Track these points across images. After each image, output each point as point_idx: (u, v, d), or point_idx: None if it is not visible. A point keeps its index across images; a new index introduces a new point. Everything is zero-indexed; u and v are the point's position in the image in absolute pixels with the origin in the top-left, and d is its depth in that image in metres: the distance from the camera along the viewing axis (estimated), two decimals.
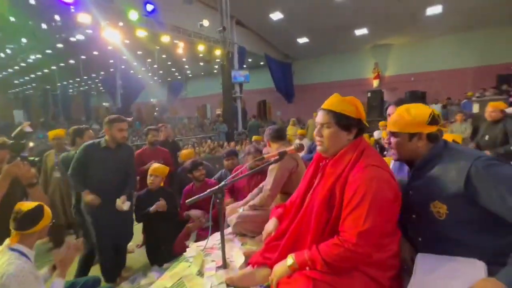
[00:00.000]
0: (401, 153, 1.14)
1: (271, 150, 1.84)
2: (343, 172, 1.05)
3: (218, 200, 1.28)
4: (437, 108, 7.03)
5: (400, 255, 1.11)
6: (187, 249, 1.66)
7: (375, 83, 13.80)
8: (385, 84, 13.85)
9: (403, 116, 1.11)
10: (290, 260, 1.07)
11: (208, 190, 1.28)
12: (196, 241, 2.30)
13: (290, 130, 6.92)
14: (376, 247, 0.99)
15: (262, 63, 15.27)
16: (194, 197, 1.26)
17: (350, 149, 1.09)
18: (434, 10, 10.04)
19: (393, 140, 1.15)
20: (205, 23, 8.40)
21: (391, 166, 1.78)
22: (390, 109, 2.01)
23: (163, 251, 2.59)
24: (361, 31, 12.28)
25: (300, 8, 10.54)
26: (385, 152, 3.58)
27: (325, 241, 1.04)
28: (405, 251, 1.16)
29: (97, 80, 20.73)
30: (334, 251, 0.98)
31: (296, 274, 1.04)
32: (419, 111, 1.09)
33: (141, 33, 6.91)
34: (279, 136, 1.91)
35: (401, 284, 1.07)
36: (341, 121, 1.10)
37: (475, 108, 6.03)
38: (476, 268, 0.90)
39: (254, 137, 4.87)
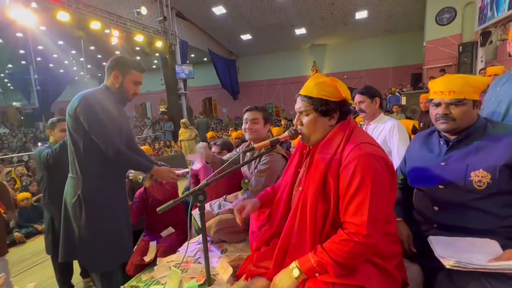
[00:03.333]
0: (464, 123, 1.03)
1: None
2: (335, 155, 0.94)
3: (199, 204, 1.05)
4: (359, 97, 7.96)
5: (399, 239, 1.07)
6: (155, 268, 1.36)
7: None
8: None
9: (468, 82, 1.01)
10: (295, 270, 0.92)
11: (187, 192, 1.04)
12: (157, 255, 1.96)
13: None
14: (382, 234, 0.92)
15: (205, 59, 14.76)
16: (169, 202, 1.00)
17: (339, 131, 0.99)
18: (362, 14, 11.17)
19: (457, 109, 1.02)
20: (143, 10, 7.56)
21: (401, 135, 1.81)
22: (356, 97, 2.05)
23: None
24: (300, 31, 12.90)
25: (242, 4, 10.47)
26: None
27: (330, 238, 0.92)
28: (402, 232, 1.14)
29: (2, 75, 17.05)
30: (344, 248, 0.86)
31: (309, 282, 0.89)
32: (479, 78, 1.04)
33: (63, 16, 5.77)
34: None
35: (405, 272, 1.03)
36: (320, 106, 0.99)
37: (403, 101, 6.89)
38: (491, 244, 0.91)
39: (209, 134, 4.59)
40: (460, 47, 8.16)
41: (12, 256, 3.24)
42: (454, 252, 0.89)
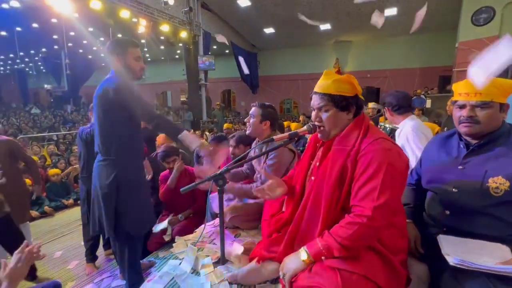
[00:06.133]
0: (488, 127, 1.01)
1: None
2: (353, 147, 1.00)
3: (219, 188, 1.12)
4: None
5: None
6: (174, 245, 1.47)
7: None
8: None
9: (495, 84, 0.98)
10: (303, 254, 0.98)
11: (208, 176, 1.11)
12: (174, 236, 2.08)
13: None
14: (388, 224, 0.97)
15: (227, 51, 14.82)
16: (191, 185, 1.08)
17: (356, 126, 1.06)
18: (391, 11, 10.74)
19: (482, 112, 1.00)
20: (170, 0, 7.72)
21: (416, 141, 1.78)
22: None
23: None
24: (325, 26, 12.61)
25: None
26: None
27: (336, 223, 0.97)
28: (410, 233, 1.16)
29: (36, 58, 18.00)
30: (348, 231, 0.91)
31: (316, 266, 0.95)
32: (508, 80, 1.00)
33: (96, 4, 6.04)
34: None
35: (408, 269, 1.05)
36: (340, 102, 1.04)
37: (428, 104, 6.65)
38: (502, 249, 0.92)
39: (225, 125, 4.69)
40: None
41: (42, 227, 3.54)
42: (462, 252, 0.91)
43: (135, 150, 1.62)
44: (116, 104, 1.48)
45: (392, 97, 1.98)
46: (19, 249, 1.13)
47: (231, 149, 2.39)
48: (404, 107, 1.95)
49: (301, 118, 7.75)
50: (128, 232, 1.55)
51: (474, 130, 1.03)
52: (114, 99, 1.48)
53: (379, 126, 3.87)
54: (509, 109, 1.04)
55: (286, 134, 1.15)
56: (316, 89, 1.10)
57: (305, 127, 1.12)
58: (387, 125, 3.57)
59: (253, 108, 1.80)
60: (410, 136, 1.83)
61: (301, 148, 3.46)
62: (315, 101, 1.09)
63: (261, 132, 1.76)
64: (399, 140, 1.92)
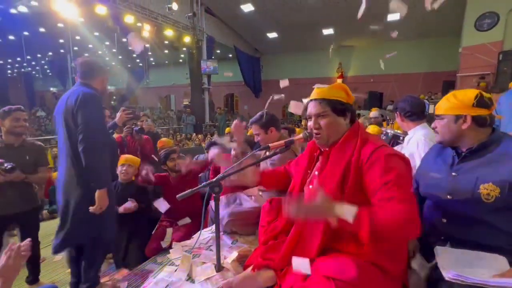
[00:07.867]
0: (445, 136, 1.15)
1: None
2: (353, 155, 1.02)
3: (215, 195, 1.12)
4: (392, 108, 7.66)
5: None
6: (171, 251, 1.47)
7: (339, 82, 14.49)
8: (347, 84, 14.25)
9: (449, 99, 1.13)
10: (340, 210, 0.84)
11: (204, 183, 1.12)
12: (172, 241, 2.08)
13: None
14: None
15: (230, 55, 14.92)
16: (188, 191, 1.08)
17: (352, 134, 1.09)
18: (394, 16, 10.74)
19: (438, 123, 1.17)
20: (174, 6, 7.82)
21: (426, 149, 1.73)
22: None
23: (132, 252, 2.31)
24: (328, 31, 12.66)
25: (271, 2, 10.47)
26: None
27: (381, 209, 0.87)
28: (409, 243, 1.15)
29: (43, 62, 18.29)
30: (392, 217, 0.83)
31: (311, 276, 0.94)
32: (465, 94, 1.11)
33: (101, 9, 6.15)
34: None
35: (407, 278, 1.04)
36: (337, 107, 1.08)
37: (431, 109, 6.59)
38: (499, 260, 0.91)
39: (227, 129, 4.72)
40: (500, 55, 7.60)
41: (42, 230, 3.53)
42: (458, 265, 0.90)
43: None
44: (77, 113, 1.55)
45: (406, 103, 1.91)
46: (8, 247, 1.13)
47: (233, 152, 2.40)
48: (417, 114, 1.89)
49: (303, 122, 7.75)
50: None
51: (437, 138, 1.20)
52: (78, 107, 1.55)
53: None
54: (471, 119, 1.07)
55: (282, 141, 1.16)
56: (312, 96, 1.13)
57: (301, 135, 1.13)
58: (389, 131, 3.53)
59: (252, 128, 1.85)
60: (421, 143, 1.79)
61: None
62: (312, 108, 1.12)
63: (274, 140, 1.77)
64: (409, 147, 1.88)
